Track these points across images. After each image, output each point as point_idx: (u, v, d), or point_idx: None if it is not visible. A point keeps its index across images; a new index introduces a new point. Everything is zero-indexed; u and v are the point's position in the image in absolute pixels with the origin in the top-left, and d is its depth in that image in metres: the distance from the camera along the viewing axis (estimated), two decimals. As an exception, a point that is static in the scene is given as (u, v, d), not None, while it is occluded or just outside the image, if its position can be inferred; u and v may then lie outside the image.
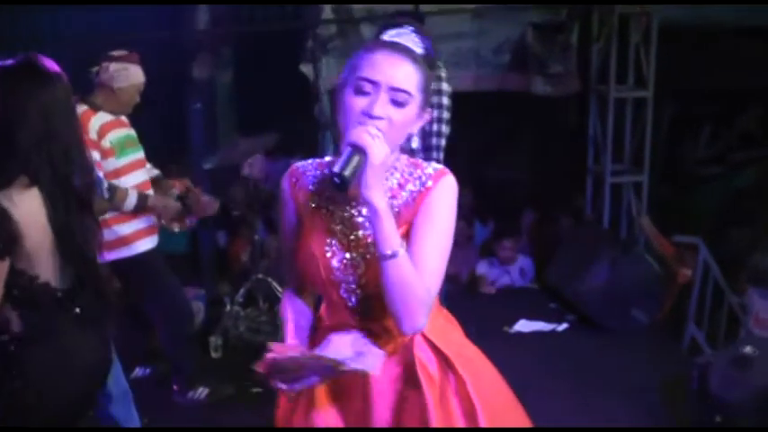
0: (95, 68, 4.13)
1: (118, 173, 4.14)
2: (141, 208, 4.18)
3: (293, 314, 2.16)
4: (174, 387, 4.57)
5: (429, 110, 2.00)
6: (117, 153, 4.14)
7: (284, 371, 1.90)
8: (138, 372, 4.84)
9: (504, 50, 6.80)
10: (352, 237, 1.99)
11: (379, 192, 1.83)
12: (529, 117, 7.19)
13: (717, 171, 7.30)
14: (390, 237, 1.84)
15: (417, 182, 2.00)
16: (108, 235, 4.00)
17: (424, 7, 6.49)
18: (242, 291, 5.60)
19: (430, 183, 1.99)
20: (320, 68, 5.62)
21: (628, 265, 5.67)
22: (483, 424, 2.03)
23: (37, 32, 6.68)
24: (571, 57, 6.75)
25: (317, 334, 2.14)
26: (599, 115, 6.69)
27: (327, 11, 6.76)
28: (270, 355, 1.88)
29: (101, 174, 4.01)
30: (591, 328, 5.51)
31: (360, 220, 1.98)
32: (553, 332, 5.54)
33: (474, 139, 6.83)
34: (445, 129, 5.18)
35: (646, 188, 6.56)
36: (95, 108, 4.11)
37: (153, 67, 4.39)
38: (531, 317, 5.67)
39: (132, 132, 4.30)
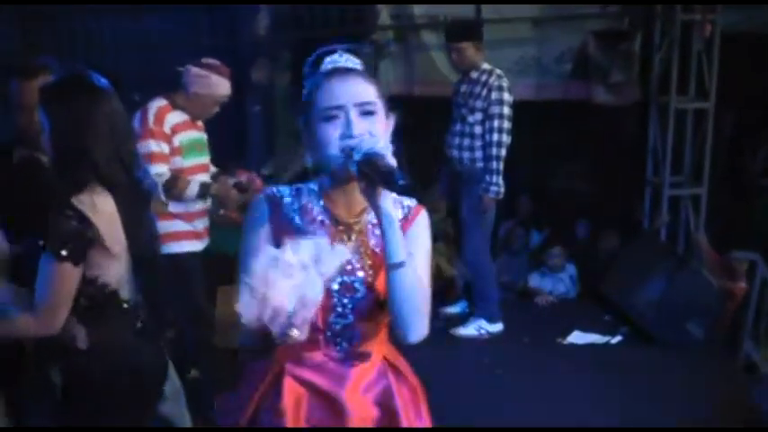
0: (182, 69, 4.23)
1: (182, 173, 4.22)
2: (203, 196, 4.26)
3: None
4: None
5: (392, 116, 2.04)
6: (184, 153, 4.24)
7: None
8: (194, 372, 4.89)
9: (566, 59, 6.77)
10: (345, 262, 1.99)
11: (390, 200, 1.90)
12: (588, 126, 7.13)
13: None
14: (401, 245, 1.91)
15: (399, 212, 2.06)
16: None
17: (484, 14, 6.50)
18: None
19: (411, 214, 2.08)
20: (379, 75, 5.64)
21: (684, 279, 5.59)
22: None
23: (94, 39, 6.84)
24: (633, 65, 6.67)
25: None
26: (659, 126, 6.62)
27: (384, 16, 6.79)
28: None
29: (164, 168, 4.12)
30: (645, 341, 5.45)
31: (350, 245, 2.02)
32: (607, 345, 5.49)
33: (533, 146, 6.81)
34: (506, 138, 5.17)
35: (704, 201, 6.48)
36: (174, 106, 4.22)
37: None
38: (585, 329, 5.62)
39: (203, 136, 4.38)
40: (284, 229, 2.00)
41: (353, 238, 2.03)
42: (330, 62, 1.99)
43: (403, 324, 1.94)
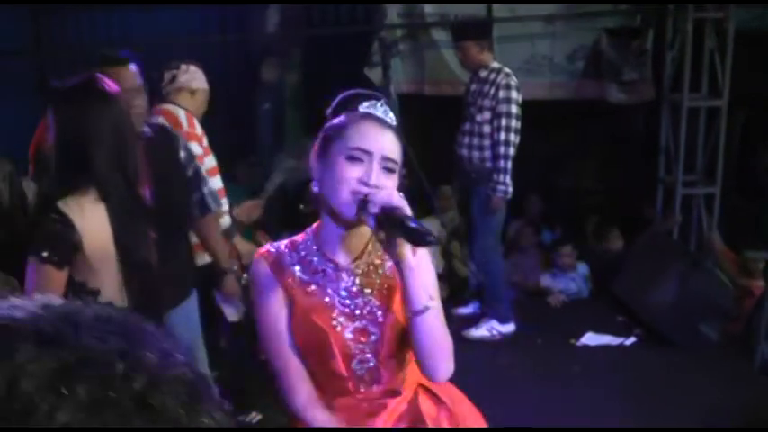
0: (172, 72, 4.11)
1: (213, 171, 4.12)
2: (229, 235, 4.09)
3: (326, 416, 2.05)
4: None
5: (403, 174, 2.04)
6: (212, 153, 4.16)
7: None
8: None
9: (578, 57, 6.71)
10: (354, 306, 2.01)
11: (408, 247, 1.86)
12: (600, 125, 7.09)
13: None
14: (422, 291, 1.89)
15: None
16: None
17: (496, 12, 6.46)
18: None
19: None
20: (390, 74, 5.59)
21: (697, 280, 5.54)
22: None
23: (100, 35, 6.80)
24: (646, 63, 6.62)
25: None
26: (671, 124, 6.56)
27: (393, 15, 6.74)
28: None
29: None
30: (659, 342, 5.39)
31: (356, 288, 2.01)
32: (620, 346, 5.44)
33: (544, 145, 6.76)
34: (514, 137, 5.12)
35: (718, 200, 6.41)
36: (187, 110, 4.10)
37: (222, 69, 4.42)
38: (599, 330, 5.57)
39: None
40: (291, 286, 2.01)
41: (357, 281, 2.02)
42: (370, 106, 1.98)
43: (431, 367, 1.96)
